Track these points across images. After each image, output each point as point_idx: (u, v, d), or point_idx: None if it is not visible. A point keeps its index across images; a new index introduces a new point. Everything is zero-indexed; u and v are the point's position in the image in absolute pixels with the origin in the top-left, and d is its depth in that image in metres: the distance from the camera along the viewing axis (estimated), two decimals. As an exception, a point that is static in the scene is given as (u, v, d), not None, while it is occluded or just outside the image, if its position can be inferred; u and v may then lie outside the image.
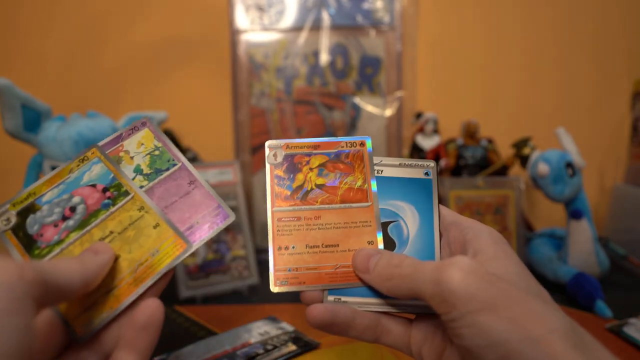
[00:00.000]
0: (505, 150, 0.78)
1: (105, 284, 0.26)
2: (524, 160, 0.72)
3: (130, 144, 0.31)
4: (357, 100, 0.80)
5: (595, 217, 0.63)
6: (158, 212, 0.28)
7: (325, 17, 0.79)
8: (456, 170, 0.77)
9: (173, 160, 0.30)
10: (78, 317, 0.25)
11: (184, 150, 0.81)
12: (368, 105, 0.80)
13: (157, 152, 0.30)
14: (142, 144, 0.31)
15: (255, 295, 0.62)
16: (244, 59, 0.80)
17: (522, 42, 0.86)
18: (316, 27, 0.79)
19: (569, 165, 0.60)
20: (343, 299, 0.29)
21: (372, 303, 0.29)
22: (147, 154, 0.30)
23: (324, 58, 0.79)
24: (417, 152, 0.78)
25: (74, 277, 0.23)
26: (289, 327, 0.50)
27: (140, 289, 0.27)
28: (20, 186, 0.59)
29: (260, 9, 0.79)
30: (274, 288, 0.28)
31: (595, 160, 0.86)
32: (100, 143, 0.31)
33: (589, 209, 0.61)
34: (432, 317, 0.29)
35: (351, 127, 0.80)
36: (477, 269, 0.24)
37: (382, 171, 0.31)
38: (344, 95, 0.80)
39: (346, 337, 0.29)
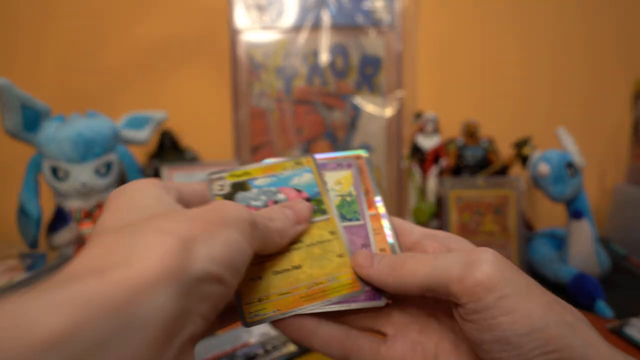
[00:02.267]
0: (505, 150, 0.78)
1: (282, 270, 0.27)
2: (524, 160, 0.72)
3: (330, 177, 0.31)
4: (357, 100, 0.80)
5: (595, 217, 0.63)
6: (346, 243, 0.28)
7: (325, 17, 0.79)
8: (456, 170, 0.77)
9: (359, 214, 0.30)
10: (250, 304, 0.26)
11: (183, 150, 0.80)
12: (368, 105, 0.80)
13: (349, 199, 0.30)
14: (340, 183, 0.30)
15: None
16: (244, 58, 0.80)
17: (522, 42, 0.86)
18: (316, 27, 0.79)
19: (570, 165, 0.60)
20: None
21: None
22: (339, 195, 0.30)
23: (324, 58, 0.79)
24: (417, 152, 0.78)
25: (274, 236, 0.25)
26: (288, 328, 0.49)
27: (309, 307, 0.26)
28: (19, 186, 0.59)
29: (260, 8, 0.79)
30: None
31: (595, 160, 0.86)
32: (317, 156, 0.31)
33: (590, 209, 0.61)
34: (409, 333, 0.27)
35: (351, 127, 0.80)
36: (503, 257, 0.24)
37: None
38: (344, 95, 0.80)
39: (312, 349, 0.27)
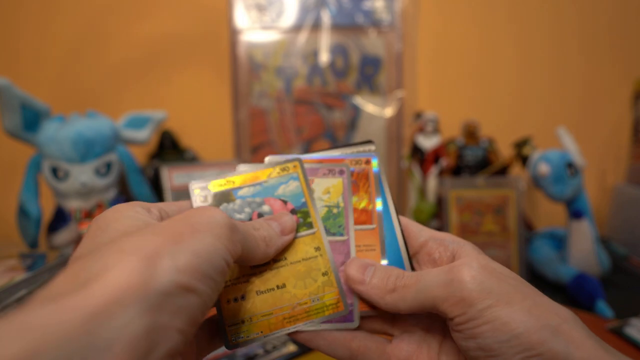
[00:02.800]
0: (505, 150, 0.78)
1: (265, 290, 0.26)
2: (524, 160, 0.72)
3: (318, 185, 0.29)
4: (357, 100, 0.79)
5: (596, 217, 0.63)
6: (331, 261, 0.27)
7: (325, 17, 0.79)
8: (456, 170, 0.77)
9: (343, 230, 0.28)
10: (234, 326, 0.26)
11: (183, 150, 0.80)
12: (368, 105, 0.80)
13: (335, 211, 0.28)
14: (329, 193, 0.29)
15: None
16: (244, 58, 0.80)
17: (522, 42, 0.86)
18: (316, 26, 0.79)
19: (570, 165, 0.60)
20: None
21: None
22: (326, 206, 0.28)
23: (324, 58, 0.79)
24: (417, 152, 0.78)
25: (259, 243, 0.25)
26: (288, 328, 0.49)
27: (292, 328, 0.26)
28: (19, 186, 0.59)
29: (260, 8, 0.79)
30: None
31: (596, 160, 0.86)
32: (304, 158, 0.29)
33: (590, 209, 0.61)
34: (415, 333, 0.28)
35: (351, 127, 0.80)
36: (487, 265, 0.24)
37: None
38: (344, 95, 0.80)
39: (318, 350, 0.27)
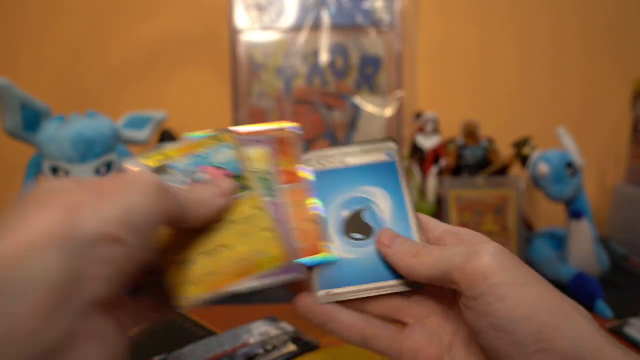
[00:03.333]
0: (505, 150, 0.78)
1: (207, 250, 0.27)
2: (524, 160, 0.72)
3: (248, 154, 0.30)
4: (357, 100, 0.80)
5: (595, 217, 0.63)
6: (272, 218, 0.28)
7: (325, 17, 0.79)
8: (456, 170, 0.77)
9: (276, 192, 0.30)
10: (181, 288, 0.26)
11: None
12: (368, 105, 0.80)
13: (266, 177, 0.30)
14: (258, 161, 0.30)
15: (255, 295, 0.62)
16: (244, 58, 0.80)
17: (521, 42, 0.86)
18: (316, 27, 0.79)
19: (570, 165, 0.60)
20: (334, 291, 0.29)
21: (365, 289, 0.29)
22: (257, 172, 0.30)
23: (324, 58, 0.79)
24: (417, 152, 0.78)
25: (194, 205, 0.25)
26: (289, 328, 0.49)
27: (237, 285, 0.26)
28: (20, 186, 0.59)
29: (260, 8, 0.79)
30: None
31: (595, 160, 0.86)
32: (234, 129, 0.30)
33: (590, 209, 0.61)
34: (428, 324, 0.28)
35: (351, 127, 0.80)
36: (507, 251, 0.25)
37: (345, 161, 0.32)
38: (344, 95, 0.80)
39: (332, 333, 0.28)
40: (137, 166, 0.28)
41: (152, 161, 0.28)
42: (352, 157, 0.32)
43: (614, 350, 0.22)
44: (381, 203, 0.31)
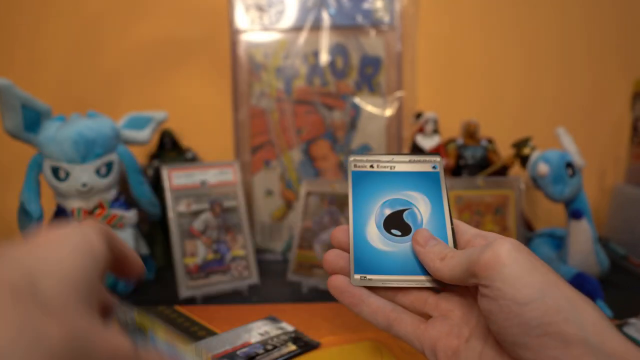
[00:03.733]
0: (505, 150, 0.78)
1: None
2: (524, 160, 0.72)
3: None
4: (357, 100, 0.80)
5: (595, 217, 0.63)
6: None
7: (325, 17, 0.79)
8: (456, 170, 0.77)
9: None
10: None
11: (183, 150, 0.81)
12: (368, 105, 0.80)
13: None
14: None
15: (255, 295, 0.62)
16: (244, 59, 0.80)
17: (522, 42, 0.86)
18: (316, 27, 0.79)
19: (569, 165, 0.60)
20: (368, 277, 0.32)
21: (396, 280, 0.32)
22: None
23: (324, 58, 0.79)
24: (417, 152, 0.78)
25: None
26: (289, 327, 0.50)
27: None
28: (20, 186, 0.59)
29: (260, 9, 0.79)
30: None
31: (595, 160, 0.86)
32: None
33: (589, 209, 0.61)
34: (450, 317, 0.31)
35: (351, 127, 0.80)
36: (521, 245, 0.27)
37: (394, 167, 0.36)
38: (344, 95, 0.80)
39: (360, 315, 0.32)
40: (128, 316, 0.26)
41: (139, 320, 0.26)
42: (401, 164, 0.36)
43: (616, 336, 0.23)
44: (421, 207, 0.34)
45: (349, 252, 0.33)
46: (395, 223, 0.34)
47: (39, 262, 0.17)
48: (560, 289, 0.24)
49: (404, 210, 0.34)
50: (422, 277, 0.32)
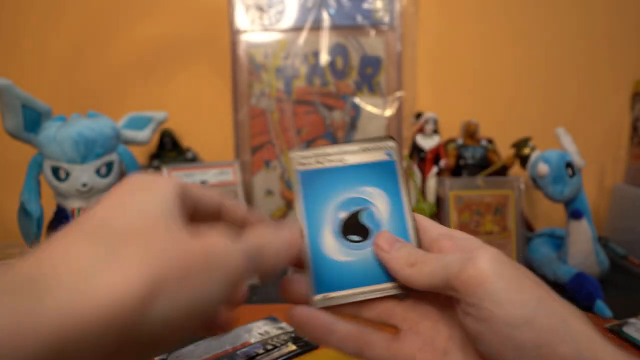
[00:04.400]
0: (505, 150, 0.78)
1: None
2: (523, 160, 0.72)
3: None
4: (357, 100, 0.80)
5: (595, 217, 0.63)
6: None
7: (325, 17, 0.79)
8: (456, 170, 0.77)
9: None
10: None
11: (184, 150, 0.81)
12: (368, 105, 0.80)
13: None
14: None
15: (255, 295, 0.62)
16: (244, 59, 0.80)
17: (522, 43, 0.86)
18: (316, 27, 0.79)
19: (569, 165, 0.60)
20: (331, 295, 0.28)
21: (361, 292, 0.29)
22: None
23: (324, 58, 0.79)
24: (417, 152, 0.78)
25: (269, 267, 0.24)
26: (289, 327, 0.50)
27: None
28: (20, 186, 0.59)
29: (260, 9, 0.79)
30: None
31: (595, 160, 0.86)
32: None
33: (589, 209, 0.61)
34: (421, 329, 0.28)
35: (351, 127, 0.80)
36: (503, 256, 0.25)
37: (344, 159, 0.31)
38: (344, 95, 0.80)
39: (328, 345, 0.28)
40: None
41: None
42: (351, 155, 0.31)
43: (607, 347, 0.22)
44: (379, 204, 0.30)
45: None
46: (353, 227, 0.30)
47: (110, 210, 0.20)
48: (551, 306, 0.23)
49: (360, 211, 0.30)
50: (388, 285, 0.28)
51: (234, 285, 0.21)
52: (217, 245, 0.21)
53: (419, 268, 0.26)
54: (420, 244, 0.29)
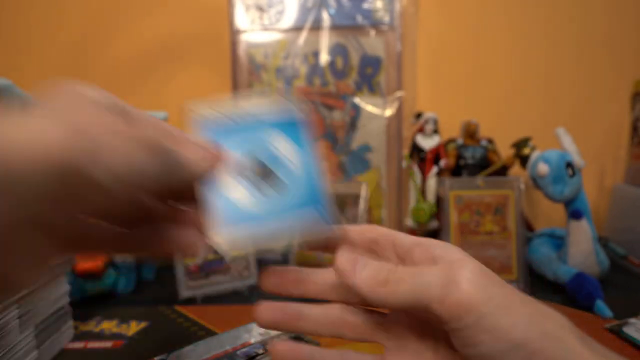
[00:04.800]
0: (505, 150, 0.78)
1: None
2: (524, 160, 0.72)
3: None
4: (357, 100, 0.80)
5: (595, 217, 0.63)
6: None
7: (325, 17, 0.79)
8: (456, 170, 0.77)
9: None
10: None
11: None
12: (368, 105, 0.80)
13: None
14: None
15: (255, 295, 0.62)
16: (244, 59, 0.80)
17: (522, 43, 0.86)
18: (316, 27, 0.79)
19: (569, 165, 0.60)
20: (235, 230, 0.25)
21: (268, 229, 0.26)
22: None
23: (324, 58, 0.79)
24: (417, 152, 0.78)
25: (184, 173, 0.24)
26: (289, 327, 0.50)
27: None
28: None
29: (260, 9, 0.79)
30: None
31: (595, 160, 0.86)
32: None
33: (589, 209, 0.61)
34: (407, 344, 0.27)
35: (351, 127, 0.80)
36: (485, 270, 0.23)
37: (249, 115, 0.29)
38: (344, 95, 0.80)
39: None
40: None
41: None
42: (257, 110, 0.29)
43: (595, 351, 0.22)
44: (290, 157, 0.28)
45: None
46: (264, 177, 0.27)
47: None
48: (541, 325, 0.22)
49: (267, 165, 0.27)
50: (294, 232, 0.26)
51: (155, 167, 0.21)
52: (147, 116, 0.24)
53: (393, 288, 0.23)
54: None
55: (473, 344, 0.22)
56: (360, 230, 0.28)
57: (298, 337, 0.47)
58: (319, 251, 0.29)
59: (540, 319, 0.22)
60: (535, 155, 0.65)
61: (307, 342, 0.46)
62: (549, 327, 0.22)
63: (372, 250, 0.28)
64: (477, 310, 0.22)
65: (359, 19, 0.79)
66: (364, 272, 0.25)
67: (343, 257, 0.26)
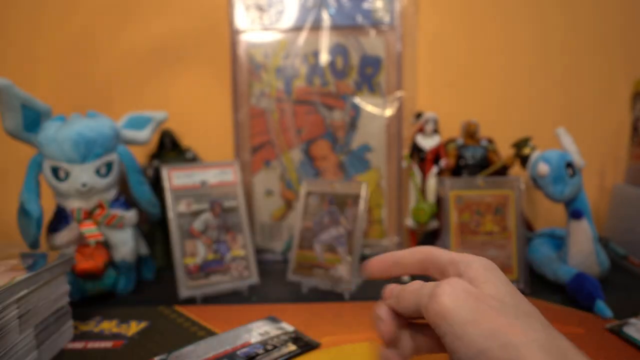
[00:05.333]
0: (505, 150, 0.78)
1: None
2: (524, 160, 0.72)
3: None
4: (357, 100, 0.80)
5: (595, 217, 0.63)
6: None
7: (325, 17, 0.79)
8: (456, 170, 0.77)
9: None
10: None
11: (183, 150, 0.81)
12: (368, 105, 0.80)
13: None
14: None
15: (255, 295, 0.62)
16: (244, 59, 0.80)
17: (522, 43, 0.86)
18: (316, 27, 0.79)
19: (569, 165, 0.60)
20: None
21: None
22: None
23: (324, 58, 0.79)
24: (417, 152, 0.78)
25: None
26: (289, 327, 0.50)
27: None
28: (20, 186, 0.59)
29: (260, 8, 0.79)
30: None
31: (595, 160, 0.86)
32: None
33: (589, 209, 0.61)
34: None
35: (351, 127, 0.80)
36: (467, 287, 0.27)
37: None
38: (344, 95, 0.80)
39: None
40: None
41: None
42: None
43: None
44: None
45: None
46: None
47: None
48: (506, 336, 0.24)
49: None
50: None
51: None
52: None
53: (405, 299, 0.30)
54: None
55: (452, 350, 0.25)
56: (411, 252, 0.34)
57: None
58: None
59: (506, 332, 0.24)
60: (535, 155, 0.65)
61: (307, 342, 0.46)
62: (511, 339, 0.24)
63: (424, 269, 0.33)
64: (449, 318, 0.25)
65: (359, 19, 0.79)
66: (393, 294, 0.32)
67: (387, 290, 0.33)
